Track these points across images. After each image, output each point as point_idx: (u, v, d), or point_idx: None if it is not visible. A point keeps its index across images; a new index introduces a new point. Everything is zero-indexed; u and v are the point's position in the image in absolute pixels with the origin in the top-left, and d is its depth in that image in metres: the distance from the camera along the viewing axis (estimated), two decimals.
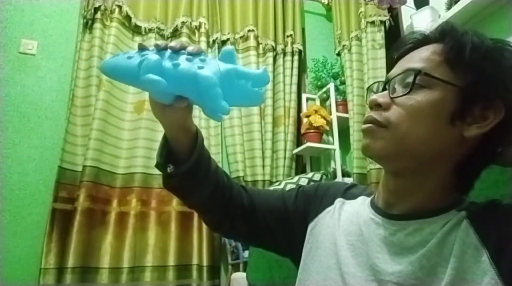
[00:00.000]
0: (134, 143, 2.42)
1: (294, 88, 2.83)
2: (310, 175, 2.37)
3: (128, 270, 2.21)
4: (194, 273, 2.30)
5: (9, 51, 2.38)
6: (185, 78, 0.54)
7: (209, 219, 0.77)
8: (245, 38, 2.83)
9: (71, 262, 2.08)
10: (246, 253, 2.07)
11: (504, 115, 0.54)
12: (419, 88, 0.55)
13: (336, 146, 2.61)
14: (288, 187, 2.06)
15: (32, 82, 2.40)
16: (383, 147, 0.57)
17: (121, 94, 2.47)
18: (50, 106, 2.41)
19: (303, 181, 2.19)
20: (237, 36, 2.84)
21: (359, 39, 2.68)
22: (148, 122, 2.40)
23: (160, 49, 0.56)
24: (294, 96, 2.81)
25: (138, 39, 2.61)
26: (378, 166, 2.30)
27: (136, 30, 2.63)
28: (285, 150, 2.70)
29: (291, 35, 2.91)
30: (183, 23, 2.68)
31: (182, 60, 0.55)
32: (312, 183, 2.03)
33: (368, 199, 0.67)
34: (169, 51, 0.56)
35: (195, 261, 2.33)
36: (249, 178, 2.59)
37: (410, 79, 0.56)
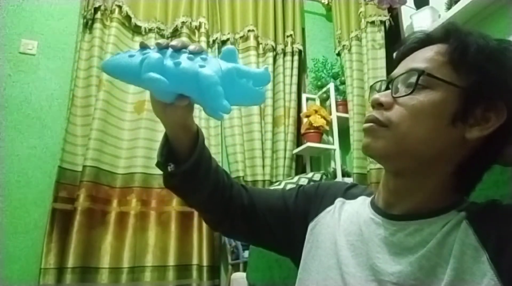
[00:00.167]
0: (134, 143, 2.42)
1: (294, 88, 2.83)
2: (310, 175, 2.37)
3: (128, 270, 2.21)
4: (194, 273, 2.30)
5: (9, 51, 2.38)
6: (186, 76, 0.54)
7: (209, 218, 0.77)
8: (245, 38, 2.83)
9: (71, 262, 2.08)
10: (246, 253, 2.07)
11: (507, 117, 0.54)
12: (422, 89, 0.55)
13: (336, 146, 2.61)
14: (288, 187, 2.05)
15: (32, 82, 2.40)
16: (384, 146, 0.57)
17: (121, 94, 2.47)
18: (50, 106, 2.41)
19: (303, 181, 2.19)
20: (237, 36, 2.84)
21: (359, 39, 2.68)
22: (148, 122, 2.41)
23: (161, 48, 0.56)
24: (294, 96, 2.81)
25: (138, 39, 2.61)
26: (378, 166, 2.30)
27: (136, 30, 2.63)
28: (285, 150, 2.70)
29: (291, 35, 2.91)
30: (183, 23, 2.68)
31: (183, 58, 0.55)
32: (312, 183, 2.03)
33: (368, 199, 0.67)
34: (170, 49, 0.56)
35: (195, 261, 2.33)
36: (249, 178, 2.59)
37: (413, 79, 0.56)
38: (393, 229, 0.57)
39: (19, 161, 2.26)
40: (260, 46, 2.85)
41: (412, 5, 2.07)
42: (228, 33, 2.81)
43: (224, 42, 2.81)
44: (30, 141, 2.31)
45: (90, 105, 2.39)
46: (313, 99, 2.94)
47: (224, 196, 0.71)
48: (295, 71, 2.87)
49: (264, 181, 2.60)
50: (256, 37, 2.83)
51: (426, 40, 0.61)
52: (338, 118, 2.67)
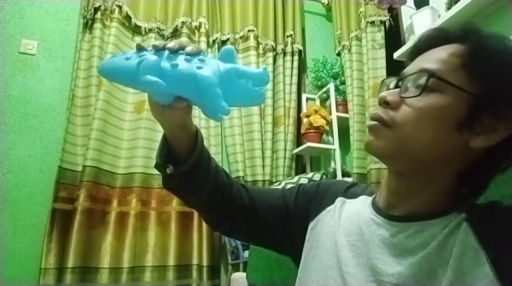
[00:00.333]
0: (134, 143, 2.42)
1: (294, 88, 2.83)
2: (310, 175, 2.37)
3: (128, 270, 2.21)
4: (194, 273, 2.30)
5: (9, 51, 2.38)
6: (184, 78, 0.53)
7: (209, 218, 0.77)
8: (245, 38, 2.83)
9: (71, 262, 2.08)
10: (246, 253, 2.07)
11: None
12: (431, 91, 0.54)
13: (336, 146, 2.61)
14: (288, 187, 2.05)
15: (32, 82, 2.40)
16: (385, 146, 0.56)
17: (121, 94, 2.47)
18: (50, 106, 2.41)
19: (303, 181, 2.19)
20: (237, 36, 2.84)
21: (359, 39, 2.68)
22: (148, 122, 2.41)
23: (158, 50, 0.55)
24: (294, 96, 2.81)
25: (138, 39, 2.61)
26: (378, 166, 2.31)
27: (136, 30, 2.63)
28: (285, 150, 2.70)
29: (291, 35, 2.91)
30: (183, 23, 2.68)
31: (180, 60, 0.54)
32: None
33: (369, 199, 0.67)
34: (167, 51, 0.55)
35: (195, 261, 2.33)
36: (249, 178, 2.59)
37: (422, 81, 0.55)
38: (393, 230, 0.57)
39: (19, 161, 2.26)
40: (260, 46, 2.85)
41: (412, 5, 2.07)
42: (228, 33, 2.81)
43: (224, 42, 2.81)
44: (30, 141, 2.31)
45: (90, 105, 2.39)
46: (313, 99, 2.94)
47: (224, 196, 0.70)
48: (295, 71, 2.87)
49: (264, 181, 2.60)
50: (256, 37, 2.83)
51: (443, 38, 0.59)
52: (338, 118, 2.67)
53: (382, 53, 2.50)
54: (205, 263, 2.34)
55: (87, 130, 2.32)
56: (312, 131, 2.64)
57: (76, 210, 2.17)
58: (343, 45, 2.80)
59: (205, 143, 0.67)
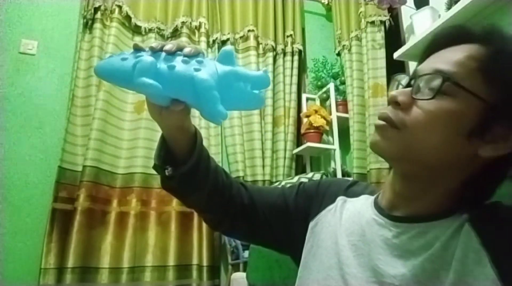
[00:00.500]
0: (134, 143, 2.43)
1: (294, 88, 2.83)
2: (310, 175, 2.36)
3: (128, 270, 2.21)
4: (194, 273, 2.30)
5: (9, 51, 2.38)
6: (181, 81, 0.52)
7: (209, 218, 0.76)
8: (245, 38, 2.83)
9: (71, 262, 2.08)
10: (246, 253, 2.07)
11: None
12: (444, 95, 0.52)
13: (336, 146, 2.61)
14: None
15: (32, 82, 2.40)
16: (391, 148, 0.55)
17: (121, 94, 2.47)
18: (50, 106, 2.41)
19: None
20: (237, 36, 2.84)
21: (359, 39, 2.68)
22: (148, 122, 2.41)
23: (155, 51, 0.53)
24: (294, 96, 2.81)
25: (138, 39, 2.62)
26: (378, 166, 2.31)
27: (136, 30, 2.63)
28: (285, 150, 2.70)
29: (291, 35, 2.91)
30: (183, 23, 2.68)
31: (178, 62, 0.53)
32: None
33: (371, 198, 0.66)
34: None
35: (195, 261, 2.33)
36: (249, 178, 2.59)
37: (436, 83, 0.52)
38: (396, 231, 0.56)
39: (19, 161, 2.26)
40: (260, 46, 2.85)
41: (412, 5, 2.06)
42: (228, 33, 2.81)
43: (224, 42, 2.81)
44: (30, 141, 2.31)
45: (90, 105, 2.39)
46: (313, 99, 2.94)
47: (223, 196, 0.70)
48: (295, 71, 2.87)
49: (264, 181, 2.60)
50: (256, 37, 2.83)
51: (461, 37, 0.56)
52: (338, 118, 2.67)
53: (382, 53, 2.50)
54: (205, 263, 2.34)
55: (87, 130, 2.32)
56: (312, 131, 2.64)
57: (76, 210, 2.17)
58: (343, 45, 2.80)
59: (205, 143, 0.66)
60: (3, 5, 2.42)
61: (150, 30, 2.62)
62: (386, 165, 2.26)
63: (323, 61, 2.87)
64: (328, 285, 0.59)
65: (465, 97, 0.51)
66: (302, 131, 2.71)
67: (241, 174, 2.57)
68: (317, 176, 2.27)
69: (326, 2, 3.22)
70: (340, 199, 0.69)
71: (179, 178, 0.62)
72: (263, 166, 2.64)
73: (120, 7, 2.55)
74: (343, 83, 2.81)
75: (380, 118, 0.56)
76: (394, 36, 2.43)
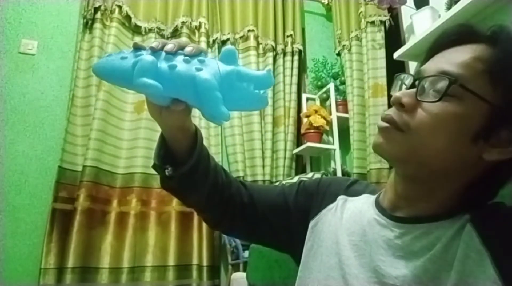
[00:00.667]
0: (134, 143, 2.43)
1: (294, 88, 2.83)
2: (310, 175, 2.37)
3: (128, 270, 2.21)
4: (194, 273, 2.30)
5: (9, 51, 2.38)
6: (182, 81, 0.51)
7: (208, 217, 0.76)
8: (245, 38, 2.83)
9: (71, 262, 2.08)
10: (246, 253, 2.07)
11: None
12: (450, 97, 0.51)
13: (336, 146, 2.61)
14: None
15: (32, 82, 2.40)
16: (395, 150, 0.54)
17: (121, 94, 2.47)
18: (50, 106, 2.41)
19: None
20: (237, 36, 2.84)
21: (359, 39, 2.68)
22: (148, 122, 2.41)
23: (155, 51, 0.52)
24: (294, 96, 2.81)
25: (138, 39, 2.61)
26: (378, 166, 2.31)
27: (136, 30, 2.63)
28: (285, 150, 2.70)
29: (291, 35, 2.91)
30: (183, 23, 2.68)
31: (179, 61, 0.51)
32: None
33: (372, 198, 0.65)
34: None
35: (195, 261, 2.33)
36: (249, 178, 2.59)
37: (442, 85, 0.51)
38: (399, 231, 0.56)
39: (19, 161, 2.26)
40: (260, 46, 2.85)
41: (412, 5, 2.06)
42: (228, 33, 2.81)
43: (224, 42, 2.81)
44: (30, 141, 2.31)
45: (90, 105, 2.39)
46: (313, 99, 2.94)
47: (223, 195, 0.69)
48: (295, 71, 2.87)
49: (264, 181, 2.60)
50: (256, 37, 2.83)
51: (467, 36, 0.55)
52: (338, 118, 2.67)
53: (382, 53, 2.50)
54: (205, 263, 2.34)
55: (87, 130, 2.33)
56: (312, 131, 2.64)
57: (76, 210, 2.17)
58: (343, 45, 2.80)
59: (205, 143, 0.66)
60: (3, 5, 2.42)
61: (150, 30, 2.62)
62: (386, 165, 2.26)
63: (323, 61, 2.87)
64: (328, 285, 0.59)
65: (471, 99, 0.50)
66: (302, 131, 2.71)
67: (241, 174, 2.57)
68: (317, 176, 2.28)
69: (326, 2, 3.22)
70: (340, 198, 0.69)
71: (179, 178, 0.61)
72: (263, 166, 2.64)
73: (120, 7, 2.55)
74: (343, 83, 2.81)
75: (383, 119, 0.55)
76: (394, 36, 2.43)
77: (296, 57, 2.90)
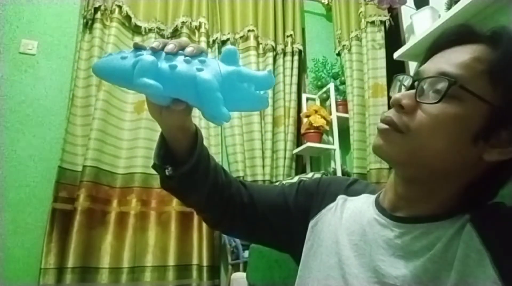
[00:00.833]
0: (134, 143, 2.43)
1: (294, 88, 2.83)
2: (310, 175, 2.37)
3: (128, 270, 2.21)
4: (194, 273, 2.30)
5: (9, 51, 2.38)
6: (182, 81, 0.50)
7: (208, 217, 0.76)
8: (245, 38, 2.83)
9: (71, 262, 2.08)
10: (246, 253, 2.07)
11: None
12: (450, 98, 0.50)
13: (336, 146, 2.61)
14: None
15: (32, 82, 2.40)
16: (396, 153, 0.54)
17: (121, 94, 2.47)
18: (50, 106, 2.41)
19: None
20: (237, 36, 2.84)
21: (359, 39, 2.68)
22: (148, 122, 2.41)
23: (156, 51, 0.52)
24: (294, 96, 2.81)
25: (138, 39, 2.62)
26: (378, 166, 2.31)
27: (136, 30, 2.63)
28: (285, 150, 2.70)
29: (291, 35, 2.91)
30: (183, 23, 2.68)
31: (179, 61, 0.51)
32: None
33: (372, 198, 0.65)
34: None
35: (195, 261, 2.33)
36: (249, 178, 2.59)
37: (441, 87, 0.51)
38: (399, 231, 0.56)
39: (19, 161, 2.26)
40: (260, 46, 2.85)
41: (412, 5, 2.06)
42: (228, 33, 2.81)
43: (224, 42, 2.81)
44: (30, 141, 2.31)
45: (90, 105, 2.39)
46: (313, 99, 2.94)
47: (223, 196, 0.69)
48: (295, 71, 2.87)
49: (264, 181, 2.61)
50: (256, 37, 2.83)
51: (467, 36, 0.55)
52: (338, 118, 2.67)
53: (382, 53, 2.50)
54: (205, 263, 2.34)
55: (87, 130, 2.33)
56: (312, 131, 2.64)
57: (76, 210, 2.17)
58: (343, 45, 2.80)
59: (205, 143, 0.66)
60: (3, 5, 2.42)
61: (150, 30, 2.63)
62: (386, 165, 2.26)
63: (323, 61, 2.87)
64: (328, 284, 0.59)
65: (471, 100, 0.50)
66: (302, 131, 2.71)
67: (241, 174, 2.57)
68: (317, 176, 2.28)
69: (326, 2, 3.23)
70: (340, 198, 0.69)
71: (179, 178, 0.61)
72: (263, 166, 2.64)
73: (120, 7, 2.55)
74: (343, 83, 2.81)
75: (383, 121, 0.55)
76: (394, 36, 2.43)
77: (296, 57, 2.90)
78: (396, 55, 2.08)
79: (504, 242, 0.48)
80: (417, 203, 0.56)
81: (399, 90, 0.60)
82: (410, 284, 0.51)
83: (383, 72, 2.46)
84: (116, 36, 2.50)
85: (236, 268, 2.32)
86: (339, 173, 2.51)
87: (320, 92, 2.88)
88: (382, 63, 2.48)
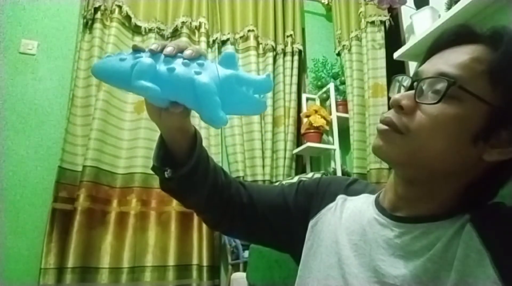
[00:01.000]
0: (134, 143, 2.43)
1: (294, 88, 2.83)
2: (310, 175, 2.37)
3: (128, 270, 2.21)
4: (194, 273, 2.30)
5: (9, 51, 2.38)
6: (180, 84, 0.50)
7: (208, 218, 0.76)
8: (245, 38, 2.83)
9: (71, 262, 2.08)
10: (246, 253, 2.07)
11: None
12: (449, 99, 0.50)
13: (336, 146, 2.61)
14: None
15: (32, 82, 2.40)
16: (395, 153, 0.54)
17: (121, 94, 2.47)
18: (50, 106, 2.41)
19: None
20: (237, 36, 2.84)
21: (359, 39, 2.68)
22: (148, 122, 2.41)
23: (155, 53, 0.52)
24: (294, 96, 2.81)
25: (138, 39, 2.62)
26: (378, 166, 2.31)
27: (136, 30, 2.63)
28: (285, 150, 2.70)
29: (291, 35, 2.91)
30: (183, 23, 2.68)
31: (178, 64, 0.51)
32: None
33: (372, 197, 0.65)
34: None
35: (195, 261, 2.33)
36: (249, 178, 2.59)
37: (440, 87, 0.51)
38: (399, 231, 0.56)
39: (19, 161, 2.26)
40: (260, 46, 2.85)
41: (412, 5, 2.06)
42: (228, 33, 2.81)
43: (224, 42, 2.81)
44: (30, 141, 2.31)
45: (90, 105, 2.39)
46: (313, 99, 2.94)
47: (222, 196, 0.69)
48: (295, 71, 2.87)
49: (264, 181, 2.61)
50: (256, 37, 2.83)
51: (466, 36, 0.55)
52: (338, 118, 2.67)
53: (382, 53, 2.50)
54: (205, 263, 2.34)
55: (87, 130, 2.33)
56: (312, 131, 2.64)
57: (76, 210, 2.17)
58: (343, 45, 2.80)
59: (205, 143, 0.66)
60: (3, 5, 2.42)
61: (150, 30, 2.62)
62: (386, 165, 2.26)
63: (323, 61, 2.87)
64: (328, 284, 0.59)
65: (470, 101, 0.50)
66: (302, 131, 2.71)
67: (241, 174, 2.57)
68: (317, 176, 2.28)
69: (326, 2, 3.22)
70: (340, 197, 0.69)
71: (179, 180, 0.61)
72: (263, 166, 2.64)
73: (120, 7, 2.55)
74: (343, 83, 2.81)
75: (383, 122, 0.55)
76: (394, 36, 2.43)
77: (296, 57, 2.90)
78: (396, 55, 2.08)
79: (504, 242, 0.47)
80: (417, 203, 0.56)
81: (399, 91, 0.60)
82: (410, 284, 0.51)
83: (383, 72, 2.46)
84: (116, 36, 2.50)
85: (236, 268, 2.32)
86: (339, 173, 2.51)
87: (320, 92, 2.88)
88: (382, 63, 2.48)
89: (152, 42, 0.53)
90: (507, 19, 1.59)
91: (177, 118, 0.57)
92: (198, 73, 0.51)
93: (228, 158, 2.64)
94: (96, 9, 2.51)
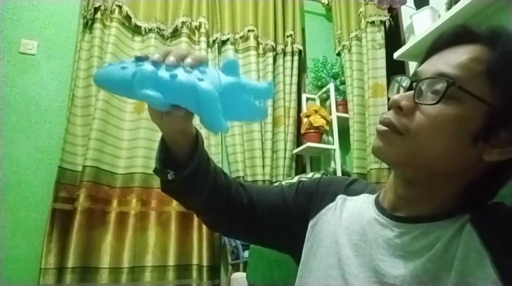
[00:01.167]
0: (134, 143, 2.43)
1: (294, 88, 2.83)
2: (310, 175, 2.37)
3: (128, 270, 2.21)
4: (194, 273, 2.30)
5: (9, 51, 2.38)
6: (183, 90, 0.51)
7: (208, 219, 0.76)
8: (245, 38, 2.83)
9: (71, 262, 2.08)
10: (246, 253, 2.07)
11: None
12: (448, 99, 0.50)
13: (336, 146, 2.61)
14: None
15: (32, 82, 2.40)
16: (395, 154, 0.54)
17: None
18: (50, 106, 2.41)
19: None
20: (237, 36, 2.84)
21: (359, 39, 2.68)
22: (148, 122, 2.41)
23: (156, 63, 0.52)
24: (294, 96, 2.81)
25: (138, 39, 2.62)
26: (378, 166, 2.30)
27: (136, 30, 2.63)
28: (285, 150, 2.70)
29: (291, 35, 2.91)
30: (183, 23, 2.68)
31: (180, 71, 0.51)
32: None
33: (372, 197, 0.65)
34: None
35: (195, 261, 2.33)
36: (249, 178, 2.59)
37: (440, 87, 0.51)
38: (399, 231, 0.56)
39: (19, 161, 2.26)
40: (260, 46, 2.85)
41: (412, 5, 2.06)
42: (228, 33, 2.81)
43: (224, 42, 2.81)
44: (30, 141, 2.31)
45: (90, 105, 2.39)
46: (313, 99, 2.94)
47: (222, 197, 0.70)
48: (295, 71, 2.87)
49: (264, 181, 2.60)
50: (256, 37, 2.83)
51: (464, 37, 0.55)
52: (338, 118, 2.67)
53: (382, 53, 2.50)
54: (205, 263, 2.34)
55: (87, 130, 2.32)
56: (312, 131, 2.64)
57: (76, 210, 2.17)
58: (343, 45, 2.80)
59: (205, 143, 0.66)
60: (3, 5, 2.42)
61: (150, 30, 2.62)
62: (386, 165, 2.26)
63: (323, 61, 2.87)
64: (328, 284, 0.59)
65: (469, 101, 0.50)
66: (302, 131, 2.71)
67: (241, 174, 2.57)
68: (316, 176, 2.28)
69: (326, 2, 3.22)
70: (340, 197, 0.69)
71: (180, 181, 0.62)
72: (263, 166, 2.64)
73: (120, 7, 2.55)
74: (343, 83, 2.81)
75: (382, 123, 0.55)
76: (394, 36, 2.43)
77: (296, 57, 2.89)
78: (396, 55, 2.08)
79: (504, 242, 0.47)
80: (417, 203, 0.56)
81: (398, 91, 0.60)
82: (410, 284, 0.51)
83: (383, 72, 2.46)
84: (116, 36, 2.50)
85: (236, 268, 2.32)
86: (339, 173, 2.51)
87: (320, 92, 2.88)
88: (382, 63, 2.48)
89: (154, 52, 0.53)
90: (507, 19, 1.59)
91: (178, 121, 0.57)
92: (200, 79, 0.51)
93: (228, 158, 2.64)
94: (96, 9, 2.51)
